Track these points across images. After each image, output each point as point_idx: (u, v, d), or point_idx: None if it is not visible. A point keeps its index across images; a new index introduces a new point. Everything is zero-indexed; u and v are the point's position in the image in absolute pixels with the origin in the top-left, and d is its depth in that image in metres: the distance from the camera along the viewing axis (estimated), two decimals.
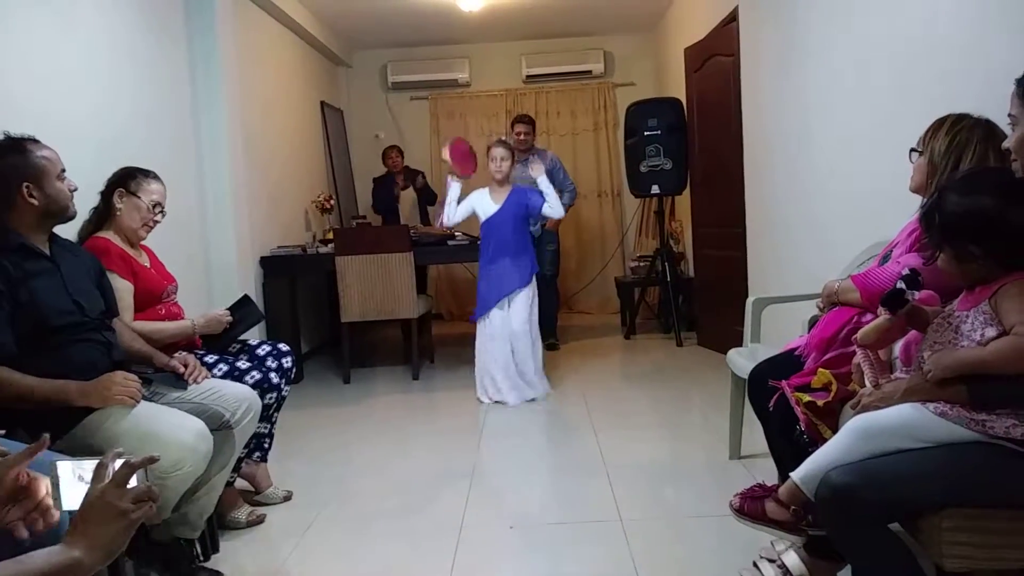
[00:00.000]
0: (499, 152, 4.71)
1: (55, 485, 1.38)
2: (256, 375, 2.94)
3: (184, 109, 4.49)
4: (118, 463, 1.32)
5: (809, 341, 2.37)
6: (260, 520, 3.06)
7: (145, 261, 2.96)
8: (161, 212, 2.95)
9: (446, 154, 4.82)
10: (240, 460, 2.98)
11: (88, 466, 1.35)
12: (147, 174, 2.93)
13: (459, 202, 4.79)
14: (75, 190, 2.38)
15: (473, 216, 4.83)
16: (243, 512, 3.03)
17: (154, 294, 2.90)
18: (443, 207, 4.85)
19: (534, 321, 4.76)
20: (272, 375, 2.99)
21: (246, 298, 3.22)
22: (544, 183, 4.75)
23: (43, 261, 2.31)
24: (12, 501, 1.42)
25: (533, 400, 4.69)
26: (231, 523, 3.00)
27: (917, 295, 1.85)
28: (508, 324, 4.67)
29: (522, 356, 4.68)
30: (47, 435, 1.41)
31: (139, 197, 2.86)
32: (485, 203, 4.75)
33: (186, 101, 4.51)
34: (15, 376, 2.18)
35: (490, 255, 4.74)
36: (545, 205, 4.74)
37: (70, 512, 1.36)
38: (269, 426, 3.10)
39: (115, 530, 1.27)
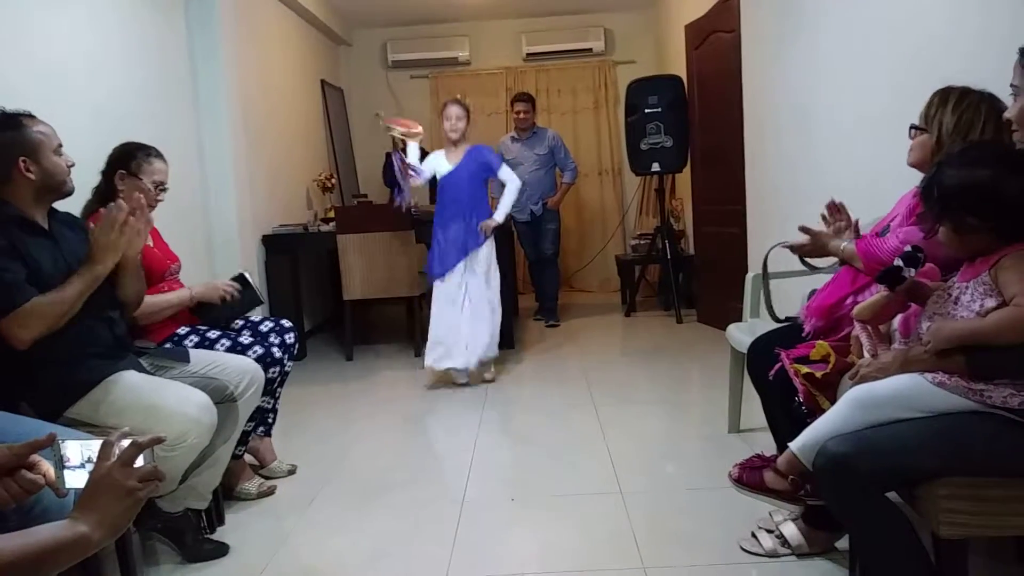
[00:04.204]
0: (454, 111, 4.56)
1: (60, 464, 1.40)
2: (259, 349, 2.96)
3: (184, 88, 4.48)
4: (125, 442, 1.34)
5: (809, 305, 2.39)
6: (271, 492, 3.09)
7: (148, 240, 2.95)
8: (163, 190, 2.94)
9: (395, 128, 4.64)
10: (247, 434, 3.01)
11: (94, 446, 1.38)
12: (148, 152, 2.89)
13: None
14: (72, 165, 2.37)
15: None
16: (253, 484, 3.06)
17: (156, 272, 2.89)
18: (402, 183, 4.65)
19: (494, 287, 4.63)
20: (275, 349, 3.01)
21: (244, 280, 3.15)
22: (507, 174, 4.65)
23: (42, 235, 2.31)
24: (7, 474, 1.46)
25: (478, 366, 4.62)
26: (241, 494, 3.04)
27: (915, 272, 1.85)
28: (465, 289, 4.56)
29: (478, 323, 4.56)
30: (55, 433, 1.43)
31: (140, 178, 2.84)
32: (440, 163, 4.63)
33: (186, 80, 4.51)
34: (49, 297, 2.19)
35: (445, 216, 4.61)
36: (505, 192, 4.62)
37: (75, 490, 1.38)
38: (273, 401, 3.12)
39: (121, 508, 1.29)
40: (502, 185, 4.71)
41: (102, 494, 1.29)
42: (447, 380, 4.70)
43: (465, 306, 4.57)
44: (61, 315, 2.21)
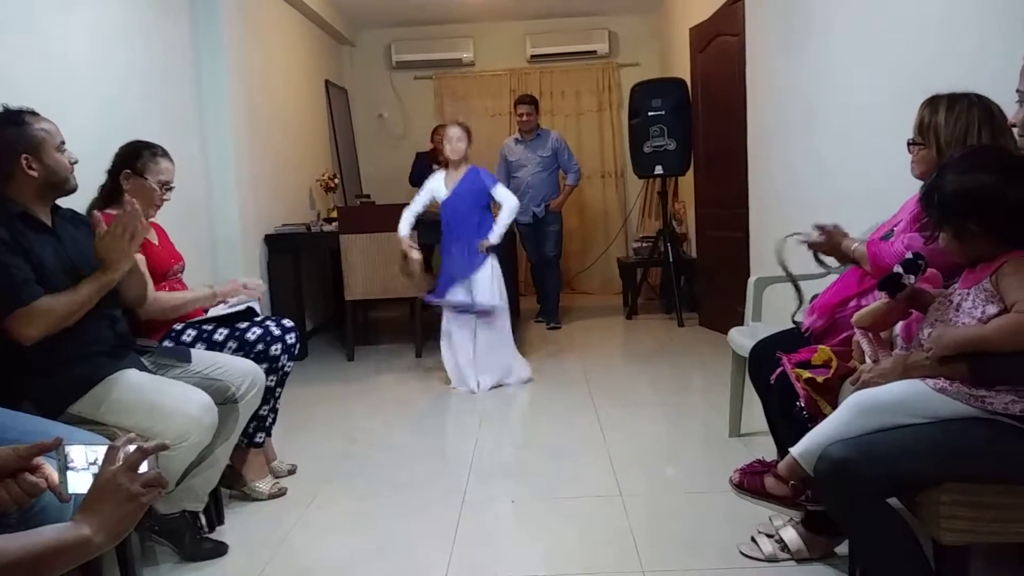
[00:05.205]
0: (455, 132, 4.56)
1: (64, 468, 1.40)
2: (257, 330, 2.97)
3: (188, 87, 4.49)
4: (131, 448, 1.34)
5: (815, 304, 2.38)
6: (282, 493, 3.09)
7: (154, 238, 2.97)
8: (169, 190, 2.95)
9: None
10: (263, 419, 3.03)
11: (99, 450, 1.38)
12: (154, 151, 2.90)
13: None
14: (75, 162, 2.37)
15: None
16: (267, 483, 3.07)
17: (160, 271, 2.90)
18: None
19: (502, 297, 4.63)
20: (272, 326, 3.01)
21: (251, 311, 3.11)
22: (502, 194, 4.64)
23: (45, 232, 2.31)
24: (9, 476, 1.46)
25: (509, 385, 4.61)
26: (253, 493, 3.04)
27: (914, 279, 1.85)
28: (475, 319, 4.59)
29: (493, 338, 4.60)
30: (62, 437, 1.43)
31: (146, 178, 2.85)
32: (439, 188, 4.64)
33: (190, 79, 4.51)
34: (60, 299, 2.20)
35: (448, 240, 4.66)
36: (501, 212, 4.61)
37: (78, 495, 1.38)
38: (273, 401, 3.12)
39: (125, 512, 1.29)
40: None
41: (106, 498, 1.29)
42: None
43: (478, 336, 4.61)
44: (69, 316, 2.22)
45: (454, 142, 4.56)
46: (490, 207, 4.69)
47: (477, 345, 4.60)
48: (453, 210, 4.61)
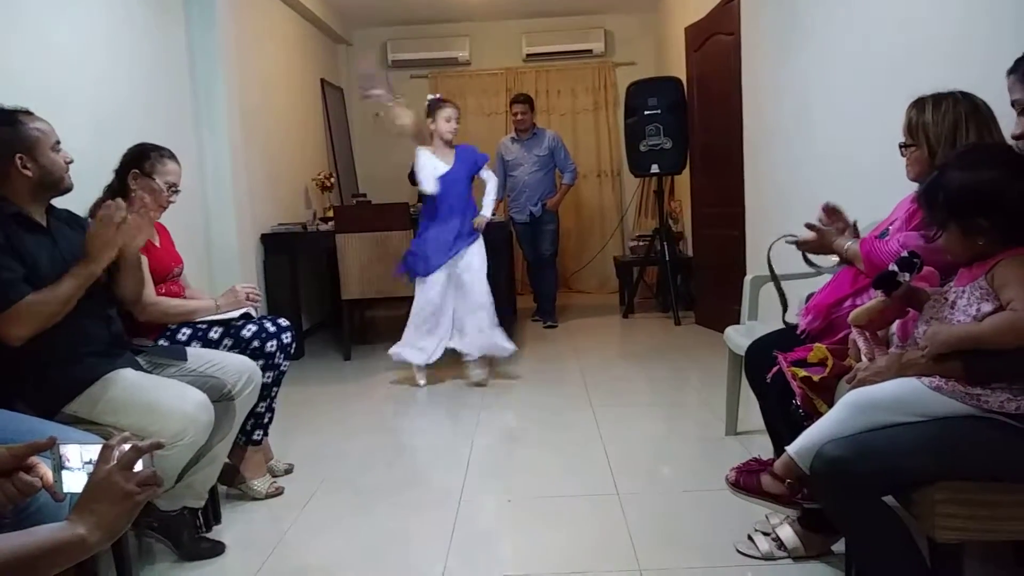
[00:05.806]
0: (454, 112, 4.69)
1: (58, 468, 1.40)
2: (252, 327, 2.97)
3: (183, 86, 4.48)
4: (125, 446, 1.34)
5: (810, 305, 2.39)
6: (279, 492, 3.09)
7: (156, 240, 2.97)
8: (176, 192, 2.95)
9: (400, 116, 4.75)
10: (261, 416, 3.04)
11: (93, 449, 1.38)
12: (162, 153, 2.92)
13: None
14: (70, 162, 2.37)
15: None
16: (264, 483, 3.06)
17: (160, 273, 2.90)
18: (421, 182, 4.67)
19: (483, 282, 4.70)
20: (267, 323, 3.01)
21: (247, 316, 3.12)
22: (487, 171, 4.77)
23: (40, 232, 2.30)
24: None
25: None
26: (250, 491, 3.04)
27: (910, 277, 1.85)
28: (463, 287, 4.63)
29: (485, 319, 4.65)
30: (56, 437, 1.43)
31: (153, 178, 2.86)
32: (437, 164, 4.63)
33: (185, 78, 4.50)
34: (42, 295, 2.18)
35: (442, 214, 4.63)
36: (488, 188, 4.76)
37: (73, 494, 1.38)
38: (269, 399, 3.11)
39: (120, 511, 1.29)
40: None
41: (101, 497, 1.28)
42: (411, 379, 4.77)
43: (458, 299, 4.69)
44: (54, 313, 2.20)
45: (453, 122, 4.68)
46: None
47: (456, 312, 4.70)
48: (455, 183, 4.64)
